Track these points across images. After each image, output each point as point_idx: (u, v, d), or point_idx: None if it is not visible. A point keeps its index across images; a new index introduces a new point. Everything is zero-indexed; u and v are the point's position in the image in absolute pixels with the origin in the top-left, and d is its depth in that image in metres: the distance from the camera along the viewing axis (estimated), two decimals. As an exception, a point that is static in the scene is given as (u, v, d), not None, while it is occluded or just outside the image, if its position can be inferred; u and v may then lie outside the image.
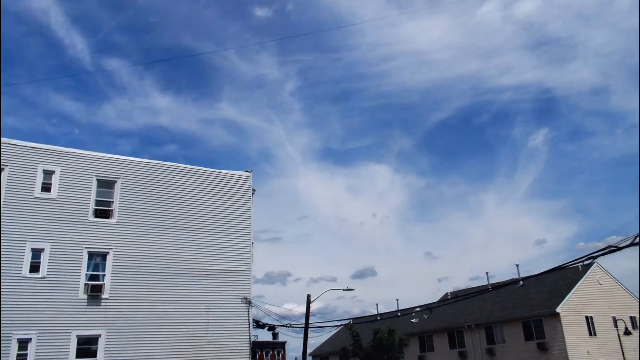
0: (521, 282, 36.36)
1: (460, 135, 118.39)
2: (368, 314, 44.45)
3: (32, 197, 20.46)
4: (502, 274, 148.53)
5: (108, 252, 21.13)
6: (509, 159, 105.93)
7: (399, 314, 33.84)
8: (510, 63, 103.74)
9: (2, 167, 20.07)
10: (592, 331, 35.39)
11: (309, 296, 26.96)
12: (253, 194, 25.50)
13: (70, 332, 19.41)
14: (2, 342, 18.10)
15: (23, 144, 20.96)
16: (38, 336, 18.84)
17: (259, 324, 24.77)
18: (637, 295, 38.14)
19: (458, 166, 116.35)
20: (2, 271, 18.81)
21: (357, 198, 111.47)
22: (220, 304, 22.58)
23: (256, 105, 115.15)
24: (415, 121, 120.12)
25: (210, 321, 22.05)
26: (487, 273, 43.71)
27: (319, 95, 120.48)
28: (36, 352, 18.64)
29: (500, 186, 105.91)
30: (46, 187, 20.84)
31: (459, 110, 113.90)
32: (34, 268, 19.62)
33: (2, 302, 18.31)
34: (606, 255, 14.62)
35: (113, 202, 22.03)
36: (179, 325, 21.45)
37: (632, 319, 37.44)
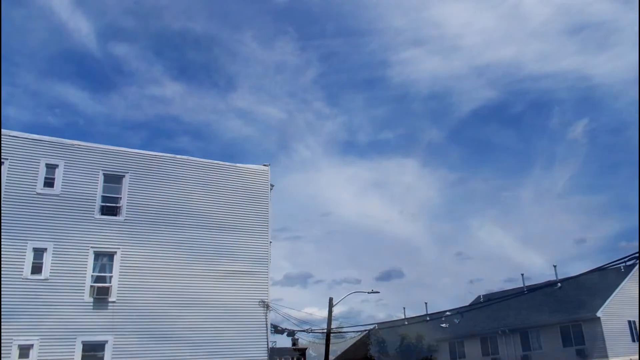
0: (559, 284, 35.50)
1: (493, 127, 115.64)
2: (394, 319, 43.63)
3: (34, 192, 20.03)
4: (539, 275, 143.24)
5: (115, 252, 20.63)
6: (546, 152, 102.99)
7: (428, 318, 33.23)
8: (547, 49, 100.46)
9: (2, 160, 19.72)
10: (635, 336, 34.44)
11: (331, 299, 27.04)
12: (271, 189, 24.90)
13: (75, 338, 18.92)
14: (2, 348, 17.68)
15: (24, 136, 20.59)
16: (40, 342, 18.33)
17: (277, 329, 24.53)
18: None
19: (491, 160, 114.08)
20: (2, 272, 18.41)
21: (382, 194, 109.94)
22: (236, 307, 22.01)
23: (275, 94, 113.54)
24: (445, 111, 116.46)
25: (224, 326, 21.48)
26: (522, 274, 42.94)
27: (342, 83, 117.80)
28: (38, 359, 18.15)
29: (537, 181, 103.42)
30: (49, 182, 20.42)
31: (491, 100, 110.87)
32: (36, 269, 19.20)
33: (2, 306, 17.90)
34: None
35: (121, 198, 21.54)
36: (192, 330, 20.87)
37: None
